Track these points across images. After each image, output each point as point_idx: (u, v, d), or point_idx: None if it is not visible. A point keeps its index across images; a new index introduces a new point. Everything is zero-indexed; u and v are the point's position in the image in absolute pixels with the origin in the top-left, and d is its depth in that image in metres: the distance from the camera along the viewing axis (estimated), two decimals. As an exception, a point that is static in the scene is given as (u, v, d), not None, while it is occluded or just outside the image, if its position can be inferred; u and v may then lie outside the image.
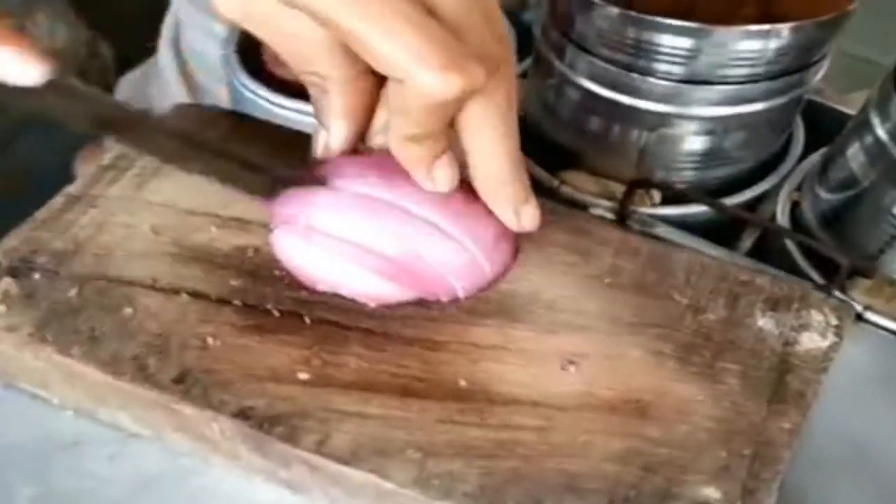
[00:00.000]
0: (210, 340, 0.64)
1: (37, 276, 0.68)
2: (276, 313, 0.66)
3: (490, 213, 0.63)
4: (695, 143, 0.88)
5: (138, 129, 0.65)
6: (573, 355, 0.64)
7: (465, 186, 0.61)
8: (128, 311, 0.66)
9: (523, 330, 0.65)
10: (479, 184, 0.61)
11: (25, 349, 0.64)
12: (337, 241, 0.63)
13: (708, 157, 0.90)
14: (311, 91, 0.61)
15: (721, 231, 0.90)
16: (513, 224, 0.65)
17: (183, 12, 1.38)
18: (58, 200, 0.74)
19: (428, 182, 0.61)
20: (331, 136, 0.62)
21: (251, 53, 1.07)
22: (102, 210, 0.73)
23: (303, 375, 0.62)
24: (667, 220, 0.88)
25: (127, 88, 1.56)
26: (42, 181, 0.78)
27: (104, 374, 0.63)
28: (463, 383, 0.62)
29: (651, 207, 0.88)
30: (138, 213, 0.73)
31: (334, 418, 0.59)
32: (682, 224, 0.88)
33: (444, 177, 0.62)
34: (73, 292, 0.67)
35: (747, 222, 0.92)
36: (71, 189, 0.75)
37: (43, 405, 0.65)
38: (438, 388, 0.61)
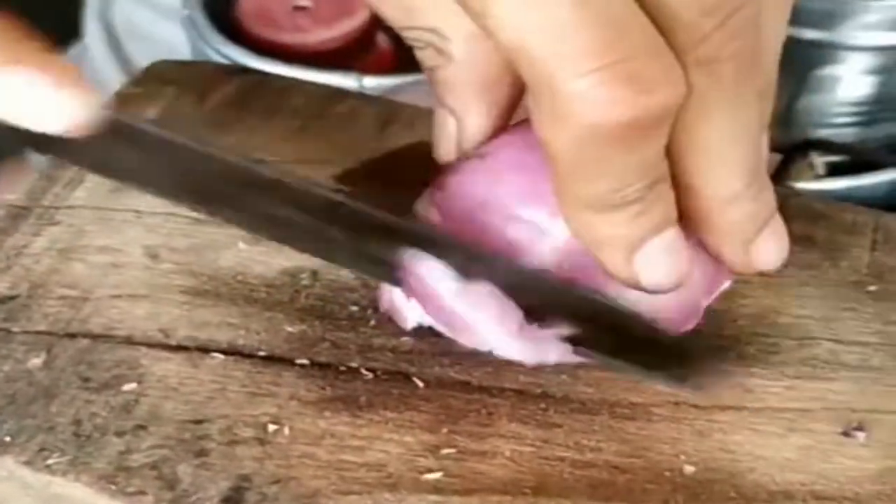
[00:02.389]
0: (272, 428, 0.43)
1: None
2: (368, 374, 0.46)
3: None
4: (859, 86, 0.75)
5: (248, 196, 0.44)
6: (854, 412, 0.45)
7: None
8: (131, 386, 0.45)
9: (766, 377, 0.46)
10: (688, 205, 0.40)
11: (-33, 463, 0.42)
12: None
13: (876, 107, 0.76)
14: (424, 60, 0.46)
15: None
16: (737, 262, 0.42)
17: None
18: (-9, 217, 0.51)
19: (628, 278, 0.40)
20: (464, 126, 0.46)
21: (220, 12, 0.92)
22: (66, 227, 0.52)
23: (432, 476, 0.42)
24: (837, 197, 0.69)
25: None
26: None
27: (104, 497, 0.41)
28: (690, 469, 0.43)
29: (815, 181, 0.74)
30: (122, 228, 0.52)
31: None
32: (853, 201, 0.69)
33: (658, 270, 0.40)
34: (36, 362, 0.46)
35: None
36: (12, 198, 0.52)
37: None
38: (653, 482, 0.42)
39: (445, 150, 0.47)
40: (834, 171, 0.76)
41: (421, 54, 0.46)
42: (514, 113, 0.46)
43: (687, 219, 0.40)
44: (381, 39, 0.98)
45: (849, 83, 0.75)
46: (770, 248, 0.42)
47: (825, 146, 0.76)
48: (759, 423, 0.44)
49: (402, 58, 0.99)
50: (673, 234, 0.39)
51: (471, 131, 0.46)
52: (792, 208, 0.52)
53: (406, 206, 0.47)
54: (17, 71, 0.38)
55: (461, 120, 0.46)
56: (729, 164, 0.39)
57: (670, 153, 0.38)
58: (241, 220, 0.45)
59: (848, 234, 0.54)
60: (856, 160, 0.76)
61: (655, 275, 0.39)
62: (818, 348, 0.47)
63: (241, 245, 0.51)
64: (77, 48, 1.25)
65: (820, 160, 0.74)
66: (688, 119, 0.37)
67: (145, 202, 0.53)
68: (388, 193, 0.48)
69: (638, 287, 0.40)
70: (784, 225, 0.42)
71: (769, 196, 0.41)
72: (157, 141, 0.43)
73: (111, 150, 0.42)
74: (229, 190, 0.43)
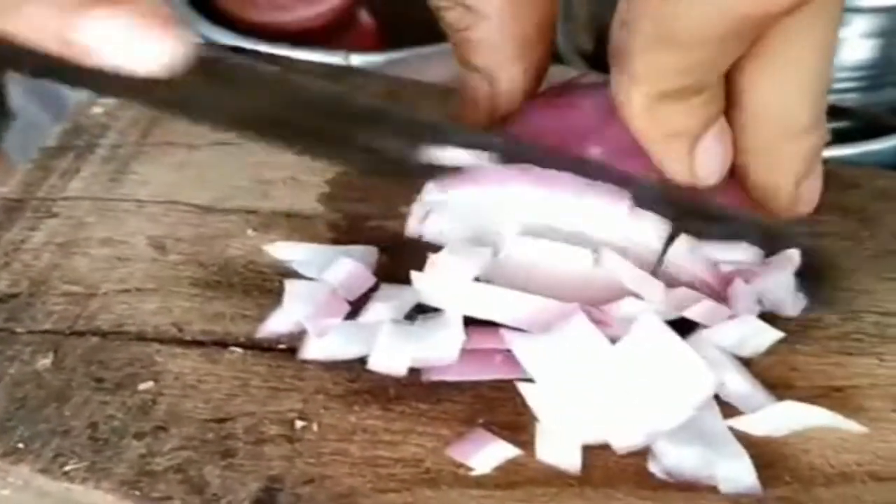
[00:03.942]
0: (300, 424, 0.42)
1: None
2: None
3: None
4: (862, 50, 0.73)
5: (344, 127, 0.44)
6: None
7: None
8: (147, 385, 0.43)
9: (812, 354, 0.45)
10: (755, 134, 0.43)
11: (-22, 472, 0.40)
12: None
13: (877, 71, 0.74)
14: (453, 21, 0.45)
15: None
16: (785, 199, 0.44)
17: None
18: (-14, 212, 0.49)
19: (684, 169, 0.42)
20: (500, 87, 0.45)
21: None
22: (64, 220, 0.51)
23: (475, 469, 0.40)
24: (845, 163, 0.69)
25: (22, 76, 1.33)
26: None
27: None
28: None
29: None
30: (124, 218, 0.51)
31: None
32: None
33: (714, 160, 0.42)
34: (45, 363, 0.44)
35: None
36: (4, 190, 0.50)
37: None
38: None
39: (477, 115, 0.46)
40: (840, 136, 0.73)
41: (449, 15, 0.45)
42: (544, 77, 0.46)
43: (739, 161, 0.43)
44: (363, 16, 0.97)
45: (851, 47, 0.73)
46: (814, 189, 0.45)
47: (831, 111, 0.74)
48: (808, 402, 0.42)
49: (385, 34, 0.98)
50: (722, 124, 0.42)
51: (507, 92, 0.45)
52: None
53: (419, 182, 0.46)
54: (111, 14, 0.37)
55: (496, 81, 0.45)
56: (807, 96, 0.41)
57: (745, 80, 0.41)
58: (333, 153, 0.45)
59: (881, 201, 0.52)
60: (862, 125, 0.74)
61: (711, 163, 0.42)
62: (863, 322, 0.46)
63: (250, 233, 0.50)
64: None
65: (826, 126, 0.73)
66: (776, 41, 0.39)
67: (146, 191, 0.52)
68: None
69: (694, 180, 0.42)
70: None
71: (824, 135, 0.43)
72: (249, 75, 0.43)
73: (201, 89, 0.41)
74: (324, 122, 0.44)
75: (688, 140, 0.41)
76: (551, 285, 0.43)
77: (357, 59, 0.84)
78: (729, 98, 0.42)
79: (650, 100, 0.40)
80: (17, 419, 0.41)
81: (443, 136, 0.44)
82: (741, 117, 0.42)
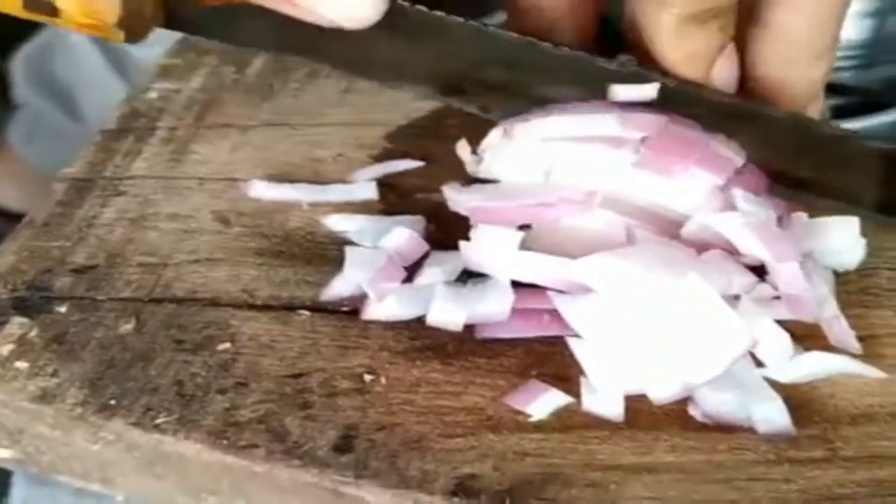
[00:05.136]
0: (368, 378, 0.46)
1: (62, 308, 0.48)
2: None
3: None
4: (856, 29, 0.76)
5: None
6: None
7: None
8: (225, 346, 0.47)
9: None
10: (773, 54, 0.48)
11: (75, 428, 0.44)
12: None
13: (871, 50, 0.77)
14: None
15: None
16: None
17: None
18: (57, 190, 0.52)
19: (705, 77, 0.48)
20: None
21: None
22: (132, 197, 0.54)
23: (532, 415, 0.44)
24: None
25: (25, 65, 1.35)
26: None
27: (216, 452, 0.43)
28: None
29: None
30: (188, 195, 0.55)
31: (615, 478, 0.41)
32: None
33: (725, 78, 0.48)
34: (128, 327, 0.48)
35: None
36: (73, 170, 0.54)
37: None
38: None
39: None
40: (836, 113, 0.76)
41: None
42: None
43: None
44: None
45: (846, 26, 0.74)
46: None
47: (829, 88, 0.77)
48: (831, 351, 0.46)
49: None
50: (732, 48, 0.47)
51: None
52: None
53: (457, 160, 0.50)
54: None
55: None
56: (825, 22, 0.47)
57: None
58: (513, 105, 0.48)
59: None
60: (859, 101, 0.77)
61: (723, 83, 0.48)
62: (878, 277, 0.50)
63: (305, 206, 0.53)
64: (50, 33, 1.25)
65: (825, 103, 0.75)
66: None
67: (206, 168, 0.55)
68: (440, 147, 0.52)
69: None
70: None
71: (830, 68, 0.49)
72: (430, 24, 0.46)
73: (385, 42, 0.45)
74: (508, 73, 0.47)
75: (706, 60, 0.47)
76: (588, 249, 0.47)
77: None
78: (752, 18, 0.47)
79: (679, 21, 0.45)
80: (107, 378, 0.45)
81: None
82: (762, 36, 0.47)
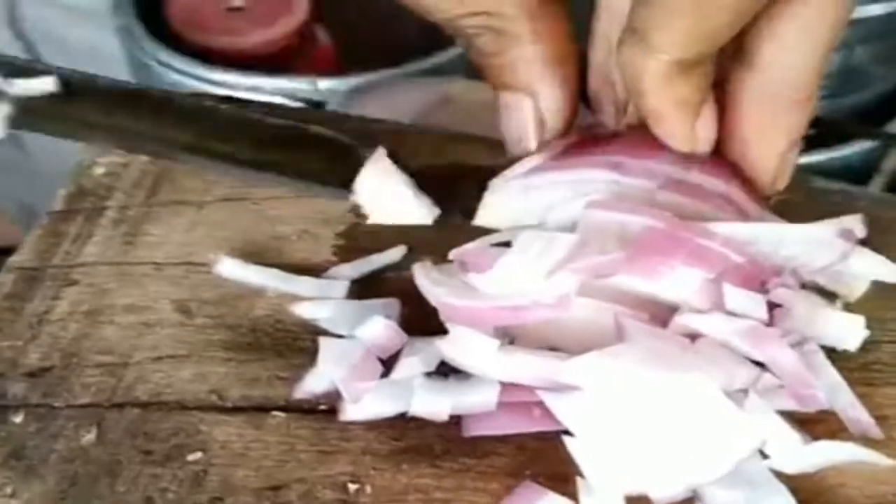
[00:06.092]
0: (352, 488, 0.43)
1: (17, 418, 0.46)
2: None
3: None
4: None
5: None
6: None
7: None
8: (196, 456, 0.44)
9: None
10: (760, 94, 0.47)
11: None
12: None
13: (839, 80, 0.78)
14: (483, 47, 0.47)
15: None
16: (774, 173, 0.49)
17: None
18: (5, 283, 0.49)
19: (688, 137, 0.47)
20: (545, 102, 0.48)
21: (149, 20, 0.93)
22: (84, 287, 0.51)
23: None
24: (811, 170, 0.72)
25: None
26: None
27: None
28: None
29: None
30: (144, 282, 0.52)
31: None
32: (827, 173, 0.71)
33: (708, 130, 0.48)
34: (90, 437, 0.45)
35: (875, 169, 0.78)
36: (19, 259, 0.51)
37: None
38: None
39: (527, 136, 0.49)
40: (807, 144, 0.76)
41: (478, 42, 0.46)
42: (578, 101, 0.49)
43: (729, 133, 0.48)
44: (322, 37, 0.98)
45: None
46: (791, 166, 0.50)
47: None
48: (841, 438, 0.44)
49: (344, 54, 0.99)
50: (711, 99, 0.47)
51: (553, 106, 0.48)
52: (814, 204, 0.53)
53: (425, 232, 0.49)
54: None
55: (538, 95, 0.47)
56: (814, 63, 0.46)
57: (758, 41, 0.45)
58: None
59: (882, 234, 0.52)
60: (826, 132, 0.77)
61: (706, 131, 0.47)
62: (880, 352, 0.48)
63: (270, 293, 0.51)
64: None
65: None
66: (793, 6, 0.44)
67: (161, 252, 0.53)
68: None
69: (693, 147, 0.47)
70: None
71: (812, 111, 0.48)
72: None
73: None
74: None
75: (693, 108, 0.46)
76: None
77: (325, 85, 0.85)
78: (738, 59, 0.46)
79: (667, 68, 0.43)
80: (71, 497, 0.42)
81: None
82: (750, 78, 0.46)
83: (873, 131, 0.74)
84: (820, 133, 0.76)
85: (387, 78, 0.85)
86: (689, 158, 0.48)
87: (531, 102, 0.48)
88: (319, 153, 0.54)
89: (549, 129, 0.49)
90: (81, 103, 0.53)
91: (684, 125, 0.46)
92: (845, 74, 0.75)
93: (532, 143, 0.49)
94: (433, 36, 0.90)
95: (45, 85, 0.54)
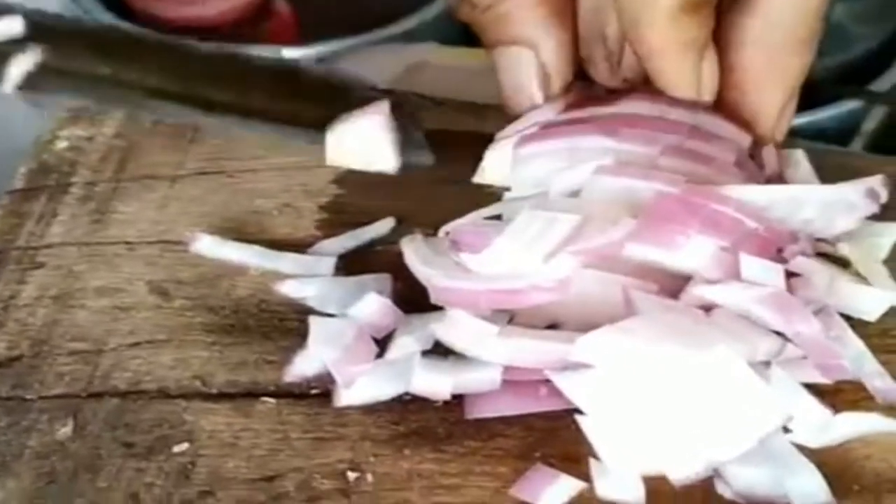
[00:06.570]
0: (352, 476, 0.41)
1: None
2: (438, 400, 0.43)
3: None
4: None
5: None
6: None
7: None
8: (182, 447, 0.42)
9: None
10: (761, 41, 0.47)
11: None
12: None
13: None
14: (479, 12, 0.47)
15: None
16: (774, 122, 0.49)
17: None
18: (-36, 265, 0.47)
19: (693, 82, 0.47)
20: (547, 53, 0.47)
21: None
22: (52, 270, 0.49)
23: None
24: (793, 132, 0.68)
25: None
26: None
27: None
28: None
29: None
30: (117, 263, 0.49)
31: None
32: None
33: (712, 74, 0.47)
34: (66, 430, 0.43)
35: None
36: (-21, 244, 0.48)
37: None
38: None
39: (532, 90, 0.48)
40: None
41: (475, 11, 0.46)
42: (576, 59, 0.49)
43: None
44: (280, 5, 0.95)
45: None
46: (791, 117, 0.49)
47: None
48: (863, 408, 0.43)
49: (304, 23, 0.97)
50: (713, 47, 0.47)
51: (553, 58, 0.47)
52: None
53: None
54: None
55: (539, 47, 0.47)
56: (812, 11, 0.46)
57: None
58: None
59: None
60: (806, 93, 0.76)
61: (711, 77, 0.47)
62: (897, 319, 0.46)
63: (252, 271, 0.48)
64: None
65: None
66: None
67: (133, 230, 0.50)
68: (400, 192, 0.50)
69: (698, 94, 0.47)
70: None
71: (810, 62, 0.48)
72: None
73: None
74: None
75: (699, 50, 0.46)
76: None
77: (290, 53, 0.82)
78: (737, 6, 0.46)
79: (674, 9, 0.43)
80: (48, 497, 0.40)
81: None
82: (750, 24, 0.46)
83: (857, 89, 0.73)
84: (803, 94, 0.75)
85: (355, 45, 0.82)
86: (691, 120, 0.47)
87: (531, 55, 0.47)
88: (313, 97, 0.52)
89: (552, 83, 0.48)
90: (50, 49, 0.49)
91: (690, 68, 0.46)
92: (826, 34, 0.74)
93: (538, 96, 0.48)
94: (394, 4, 0.89)
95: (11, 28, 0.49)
